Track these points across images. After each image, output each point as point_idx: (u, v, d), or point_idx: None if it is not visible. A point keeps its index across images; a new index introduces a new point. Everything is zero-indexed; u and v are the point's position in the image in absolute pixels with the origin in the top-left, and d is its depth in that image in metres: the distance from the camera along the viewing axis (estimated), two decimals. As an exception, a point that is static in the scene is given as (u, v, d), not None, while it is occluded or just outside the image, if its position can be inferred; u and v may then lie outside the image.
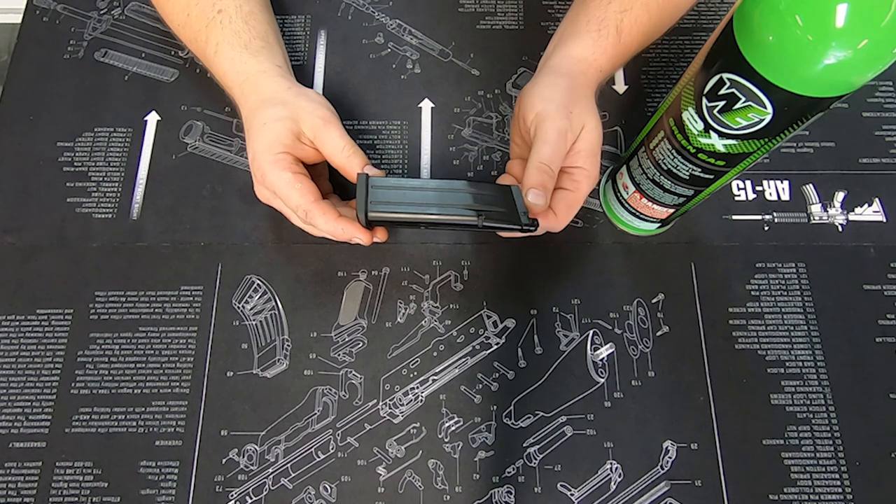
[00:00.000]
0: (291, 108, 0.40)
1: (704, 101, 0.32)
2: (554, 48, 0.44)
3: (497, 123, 0.51)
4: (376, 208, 0.38)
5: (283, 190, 0.39)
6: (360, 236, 0.40)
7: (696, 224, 0.48)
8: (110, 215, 0.48)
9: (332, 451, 0.42)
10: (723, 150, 0.33)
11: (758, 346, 0.45)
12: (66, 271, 0.46)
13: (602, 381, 0.44)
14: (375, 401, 0.43)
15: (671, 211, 0.42)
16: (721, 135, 0.32)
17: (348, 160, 0.40)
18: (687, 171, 0.37)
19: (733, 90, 0.30)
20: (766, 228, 0.48)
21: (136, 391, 0.43)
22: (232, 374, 0.44)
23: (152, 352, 0.44)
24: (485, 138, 0.51)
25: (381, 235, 0.42)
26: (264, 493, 0.41)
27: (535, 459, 0.42)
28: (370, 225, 0.39)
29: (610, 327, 0.45)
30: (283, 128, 0.40)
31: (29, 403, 0.43)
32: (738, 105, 0.30)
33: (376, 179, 0.39)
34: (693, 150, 0.35)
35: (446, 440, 0.42)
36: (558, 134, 0.37)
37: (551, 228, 0.41)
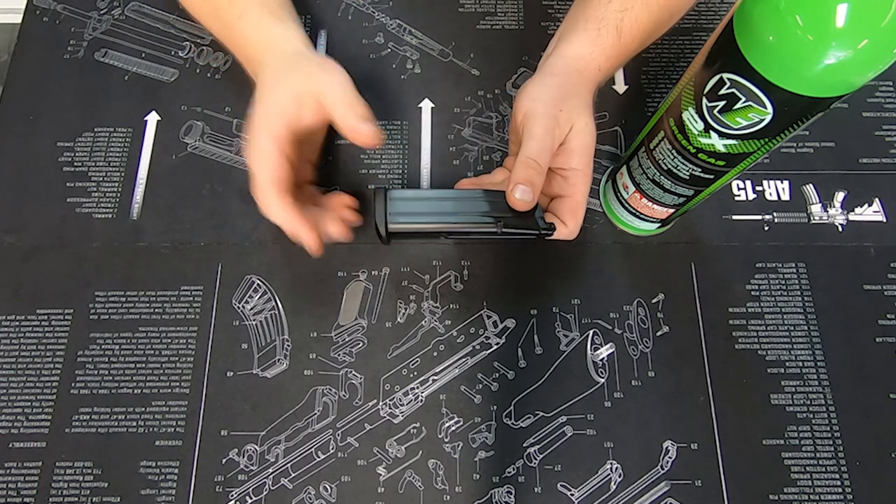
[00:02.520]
0: (296, 72, 0.40)
1: (704, 101, 0.32)
2: (553, 48, 0.44)
3: (497, 123, 0.51)
4: (396, 220, 0.38)
5: (253, 156, 0.38)
6: (306, 238, 0.38)
7: (696, 224, 0.48)
8: (110, 215, 0.48)
9: (332, 451, 0.42)
10: (723, 150, 0.33)
11: (758, 346, 0.45)
12: (66, 271, 0.46)
13: (602, 381, 0.44)
14: (375, 401, 0.43)
15: (671, 211, 0.42)
16: (721, 135, 0.32)
17: (346, 112, 0.38)
18: (687, 171, 0.37)
19: (733, 90, 0.30)
20: (766, 228, 0.48)
21: (136, 391, 0.43)
22: (232, 374, 0.44)
23: (152, 352, 0.44)
24: (485, 138, 0.51)
25: (342, 234, 0.41)
26: (264, 493, 0.41)
27: (535, 459, 0.42)
28: (390, 237, 0.39)
29: (610, 327, 0.45)
30: (283, 93, 0.39)
31: (29, 403, 0.43)
32: (739, 105, 0.30)
33: (394, 192, 0.39)
34: (693, 150, 0.35)
35: (446, 440, 0.42)
36: (545, 131, 0.37)
37: (564, 237, 0.41)
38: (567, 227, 0.40)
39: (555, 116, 0.37)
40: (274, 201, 0.38)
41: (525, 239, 0.39)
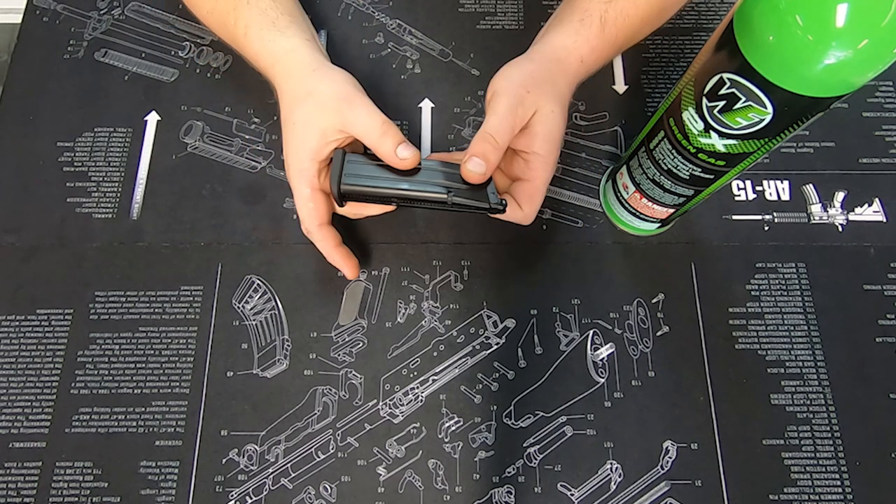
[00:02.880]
0: (315, 100, 0.39)
1: (705, 100, 0.32)
2: (537, 39, 0.44)
3: (497, 123, 0.51)
4: (349, 181, 0.38)
5: (298, 202, 0.41)
6: (346, 270, 0.43)
7: (696, 224, 0.48)
8: (110, 215, 0.48)
9: (332, 451, 0.42)
10: (723, 150, 0.33)
11: (758, 346, 0.45)
12: (66, 271, 0.46)
13: (602, 381, 0.44)
14: (375, 401, 0.43)
15: (671, 211, 0.42)
16: (721, 135, 0.32)
17: (380, 140, 0.38)
18: (687, 171, 0.37)
19: (733, 90, 0.30)
20: (766, 228, 0.48)
21: (136, 391, 0.43)
22: (232, 374, 0.44)
23: (152, 352, 0.44)
24: (485, 138, 0.51)
25: (353, 273, 0.44)
26: (264, 493, 0.41)
27: (535, 459, 0.42)
28: (343, 199, 0.40)
29: (610, 327, 0.45)
30: (310, 132, 0.39)
31: (29, 403, 0.43)
32: (739, 105, 0.30)
33: (352, 156, 0.40)
34: (693, 150, 0.35)
35: (446, 440, 0.42)
36: (507, 108, 0.37)
37: (518, 220, 0.41)
38: (522, 211, 0.40)
39: (521, 97, 0.37)
40: (319, 242, 0.42)
41: (474, 212, 0.40)
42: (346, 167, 0.39)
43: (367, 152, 0.40)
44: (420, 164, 0.40)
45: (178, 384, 0.43)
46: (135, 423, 0.43)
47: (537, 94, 0.38)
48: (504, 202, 0.39)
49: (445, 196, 0.38)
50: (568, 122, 0.43)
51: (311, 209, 0.40)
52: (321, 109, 0.39)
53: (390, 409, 0.43)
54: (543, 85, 0.39)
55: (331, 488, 0.41)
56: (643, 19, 0.43)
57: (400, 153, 0.38)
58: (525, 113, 0.38)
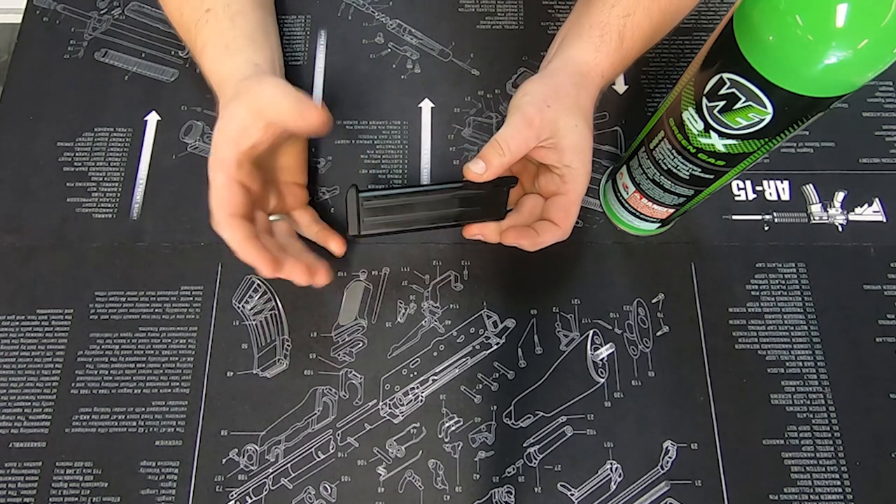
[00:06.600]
0: (240, 97, 0.38)
1: (704, 100, 0.32)
2: (555, 52, 0.44)
3: (497, 123, 0.51)
4: (368, 228, 0.40)
5: (211, 191, 0.38)
6: (261, 266, 0.37)
7: (696, 224, 0.48)
8: (110, 215, 0.48)
9: (332, 451, 0.42)
10: (723, 150, 0.33)
11: (758, 346, 0.45)
12: (66, 271, 0.46)
13: (602, 381, 0.44)
14: (375, 401, 0.43)
15: (671, 211, 0.42)
16: (721, 135, 0.32)
17: (300, 111, 0.37)
18: (687, 171, 0.37)
19: (733, 90, 0.30)
20: (766, 228, 0.48)
21: (136, 391, 0.43)
22: (232, 374, 0.44)
23: (152, 352, 0.44)
24: (485, 138, 0.51)
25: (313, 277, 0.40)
26: (264, 493, 0.41)
27: (535, 459, 0.42)
28: (361, 236, 0.41)
29: (610, 327, 0.45)
30: (231, 122, 0.37)
31: (29, 403, 0.43)
32: (739, 105, 0.30)
33: (366, 193, 0.39)
34: (693, 150, 0.35)
35: (446, 440, 0.42)
36: (522, 119, 0.37)
37: (556, 239, 0.40)
38: (559, 227, 0.40)
39: (539, 110, 0.38)
40: (225, 228, 0.37)
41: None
42: (363, 212, 0.40)
43: (377, 189, 0.40)
44: (427, 186, 0.41)
45: (178, 384, 0.43)
46: (135, 423, 0.43)
47: (558, 109, 0.38)
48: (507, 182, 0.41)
49: (461, 224, 0.41)
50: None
51: (222, 198, 0.37)
52: (241, 102, 0.38)
53: (390, 409, 0.43)
54: (565, 99, 0.39)
55: (331, 488, 0.41)
56: (656, 30, 0.43)
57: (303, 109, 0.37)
58: (544, 125, 0.38)
